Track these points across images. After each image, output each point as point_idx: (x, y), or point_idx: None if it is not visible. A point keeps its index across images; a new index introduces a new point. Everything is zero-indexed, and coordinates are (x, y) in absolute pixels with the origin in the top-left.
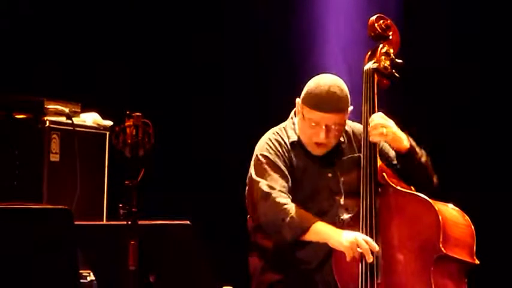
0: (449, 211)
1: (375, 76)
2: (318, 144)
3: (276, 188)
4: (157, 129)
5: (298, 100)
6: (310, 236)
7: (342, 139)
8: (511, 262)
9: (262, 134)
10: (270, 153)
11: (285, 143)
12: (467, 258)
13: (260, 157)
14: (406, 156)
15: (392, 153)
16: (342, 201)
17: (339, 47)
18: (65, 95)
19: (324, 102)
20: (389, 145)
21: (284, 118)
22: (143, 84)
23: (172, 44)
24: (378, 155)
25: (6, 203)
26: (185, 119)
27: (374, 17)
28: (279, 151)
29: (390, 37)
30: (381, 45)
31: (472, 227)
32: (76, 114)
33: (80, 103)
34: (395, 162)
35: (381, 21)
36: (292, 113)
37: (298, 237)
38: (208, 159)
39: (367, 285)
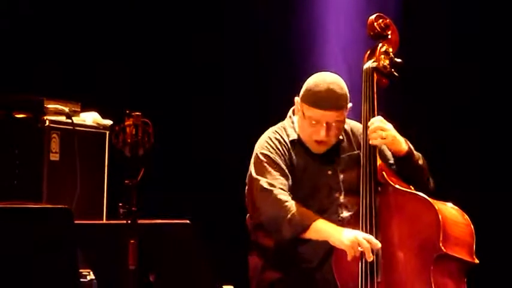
0: (449, 210)
1: (374, 75)
2: (319, 142)
3: (276, 186)
4: (157, 129)
5: (297, 99)
6: (310, 234)
7: (341, 137)
8: (511, 261)
9: (262, 134)
10: (270, 151)
11: (285, 141)
12: (467, 258)
13: (260, 155)
14: (404, 159)
15: (388, 153)
16: (341, 199)
17: (338, 47)
18: (65, 94)
19: (324, 99)
20: (388, 148)
21: (284, 118)
22: (143, 84)
23: (172, 44)
24: (377, 154)
25: (6, 203)
26: (185, 119)
27: (373, 16)
28: (279, 149)
29: (389, 36)
30: (380, 45)
31: (472, 226)
32: (76, 113)
33: (79, 102)
34: (391, 161)
35: (380, 21)
36: (290, 112)
37: (298, 234)
38: (208, 159)
39: (367, 284)
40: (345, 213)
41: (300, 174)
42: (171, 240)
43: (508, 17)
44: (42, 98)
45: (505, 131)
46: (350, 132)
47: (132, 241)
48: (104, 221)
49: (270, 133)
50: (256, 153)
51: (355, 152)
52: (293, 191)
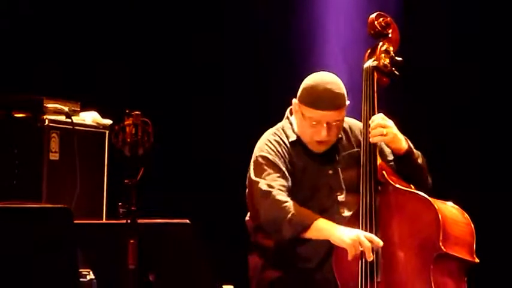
0: (449, 209)
1: (375, 74)
2: (320, 142)
3: (275, 187)
4: (157, 129)
5: (295, 100)
6: (311, 233)
7: (339, 135)
8: (511, 260)
9: (262, 134)
10: (270, 153)
11: (284, 143)
12: (467, 257)
13: (259, 158)
14: (403, 158)
15: (387, 150)
16: (343, 198)
17: (338, 47)
18: (65, 93)
19: (323, 100)
20: (389, 146)
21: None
22: (143, 84)
23: (172, 44)
24: (377, 153)
25: (6, 202)
26: (185, 119)
27: (374, 15)
28: (278, 151)
29: (390, 35)
30: (381, 43)
31: (472, 225)
32: (75, 113)
33: (79, 102)
34: (389, 158)
35: (381, 19)
36: (287, 112)
37: (299, 234)
38: (208, 159)
39: (367, 284)
40: (347, 213)
41: (300, 175)
42: (170, 239)
43: (508, 17)
44: (42, 98)
45: (505, 131)
46: (348, 130)
47: (131, 241)
48: (104, 221)
49: (268, 135)
50: (256, 156)
51: (355, 150)
52: (293, 192)
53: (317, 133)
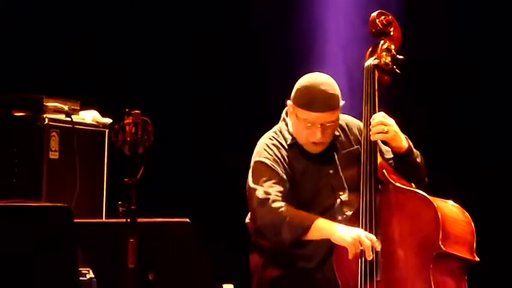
0: (449, 208)
1: (376, 72)
2: (315, 143)
3: (272, 194)
4: (157, 129)
5: (289, 102)
6: (312, 234)
7: (337, 133)
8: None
9: (262, 134)
10: (268, 158)
11: (283, 146)
12: (467, 256)
13: (257, 164)
14: (403, 157)
15: (385, 148)
16: (346, 197)
17: (338, 46)
18: (65, 92)
19: (317, 101)
20: (389, 144)
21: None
22: (143, 83)
23: (172, 44)
24: (378, 152)
25: (6, 201)
26: (185, 118)
27: (375, 13)
28: (277, 155)
29: (391, 33)
30: (382, 42)
31: (472, 223)
32: (75, 111)
33: (79, 101)
34: (388, 156)
35: (382, 17)
36: (283, 114)
37: (299, 236)
38: (208, 158)
39: (367, 283)
40: (349, 212)
41: (300, 177)
42: (170, 238)
43: (508, 17)
44: (42, 96)
45: (505, 130)
46: (346, 128)
47: (131, 240)
48: (104, 220)
49: (266, 139)
50: (254, 161)
51: (355, 148)
52: (295, 194)
53: (312, 134)
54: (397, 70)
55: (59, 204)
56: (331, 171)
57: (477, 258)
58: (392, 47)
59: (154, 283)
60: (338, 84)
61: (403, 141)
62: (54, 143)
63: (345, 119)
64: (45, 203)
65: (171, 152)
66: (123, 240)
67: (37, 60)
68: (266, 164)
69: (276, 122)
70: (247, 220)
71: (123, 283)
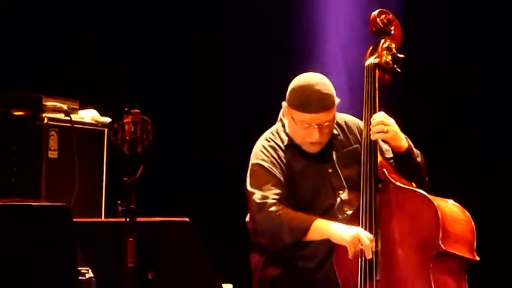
0: (449, 207)
1: (376, 71)
2: (313, 143)
3: (269, 197)
4: (157, 128)
5: (284, 104)
6: (311, 235)
7: (335, 131)
8: None
9: (262, 134)
10: (265, 160)
11: (280, 146)
12: (467, 255)
13: (255, 166)
14: (403, 156)
15: (385, 147)
16: (346, 196)
17: (338, 46)
18: (64, 92)
19: (312, 103)
20: (389, 144)
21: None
22: (142, 83)
23: (172, 44)
24: (378, 151)
25: (5, 200)
26: (184, 118)
27: (376, 12)
28: (274, 157)
29: (392, 32)
30: (383, 40)
31: (473, 223)
32: (74, 111)
33: (78, 100)
34: (388, 156)
35: (383, 16)
36: (280, 114)
37: (299, 238)
38: (208, 157)
39: (366, 282)
40: (350, 211)
41: (299, 178)
42: (170, 238)
43: (508, 17)
44: (41, 96)
45: (505, 130)
46: (345, 127)
47: (130, 239)
48: (103, 219)
49: (263, 141)
50: (251, 164)
51: (354, 147)
52: (295, 195)
53: (309, 135)
54: (398, 69)
55: (58, 204)
56: (330, 170)
57: (477, 258)
58: (393, 45)
59: (153, 282)
60: (338, 84)
61: (403, 141)
62: (53, 142)
63: (344, 118)
64: (45, 202)
65: (171, 151)
66: (122, 239)
67: (37, 60)
68: (263, 166)
69: (276, 122)
70: (247, 219)
71: (122, 282)
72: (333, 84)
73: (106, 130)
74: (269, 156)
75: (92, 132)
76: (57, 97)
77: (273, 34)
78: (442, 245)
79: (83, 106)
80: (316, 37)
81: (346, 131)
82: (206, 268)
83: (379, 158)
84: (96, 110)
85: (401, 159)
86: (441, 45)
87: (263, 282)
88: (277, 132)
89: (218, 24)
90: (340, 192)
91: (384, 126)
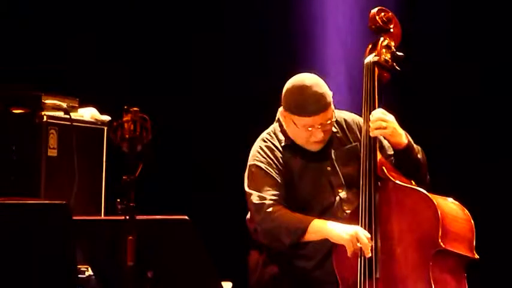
0: (449, 205)
1: (376, 69)
2: (317, 142)
3: (267, 198)
4: (155, 126)
5: (281, 109)
6: (310, 236)
7: (334, 129)
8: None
9: (261, 133)
10: (262, 161)
11: (277, 147)
12: (466, 253)
13: (252, 168)
14: (403, 152)
15: (386, 144)
16: (344, 194)
17: (338, 44)
18: (63, 90)
19: (311, 105)
20: (389, 140)
21: None
22: (142, 81)
23: (172, 43)
24: (377, 149)
25: (4, 198)
26: (184, 117)
27: (375, 10)
28: (271, 158)
29: (391, 30)
30: (382, 38)
31: (472, 221)
32: (74, 109)
33: (77, 98)
34: (389, 152)
35: (382, 14)
36: (278, 114)
37: (298, 239)
38: (207, 156)
39: (366, 281)
40: (349, 209)
41: (297, 177)
42: (169, 236)
43: (508, 17)
44: (40, 94)
45: (505, 130)
46: (344, 124)
47: (130, 237)
48: (102, 217)
49: (260, 142)
50: (249, 165)
51: (354, 145)
52: (294, 195)
53: (313, 136)
54: (397, 67)
55: (57, 202)
56: (328, 169)
57: (477, 256)
58: (392, 43)
59: (153, 281)
60: (338, 82)
61: (403, 137)
62: (53, 140)
63: (343, 116)
64: (44, 200)
65: (170, 150)
66: (122, 237)
67: (37, 60)
68: (260, 167)
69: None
70: (247, 218)
71: (121, 280)
72: (332, 82)
73: (105, 128)
74: (266, 157)
75: (91, 131)
76: (57, 95)
77: (273, 34)
78: (441, 243)
79: (83, 104)
80: (316, 36)
81: (345, 129)
82: (206, 266)
83: (379, 156)
84: (96, 108)
85: (401, 156)
86: (441, 43)
87: (262, 281)
88: (275, 133)
89: (218, 24)
90: (339, 190)
91: (383, 122)
